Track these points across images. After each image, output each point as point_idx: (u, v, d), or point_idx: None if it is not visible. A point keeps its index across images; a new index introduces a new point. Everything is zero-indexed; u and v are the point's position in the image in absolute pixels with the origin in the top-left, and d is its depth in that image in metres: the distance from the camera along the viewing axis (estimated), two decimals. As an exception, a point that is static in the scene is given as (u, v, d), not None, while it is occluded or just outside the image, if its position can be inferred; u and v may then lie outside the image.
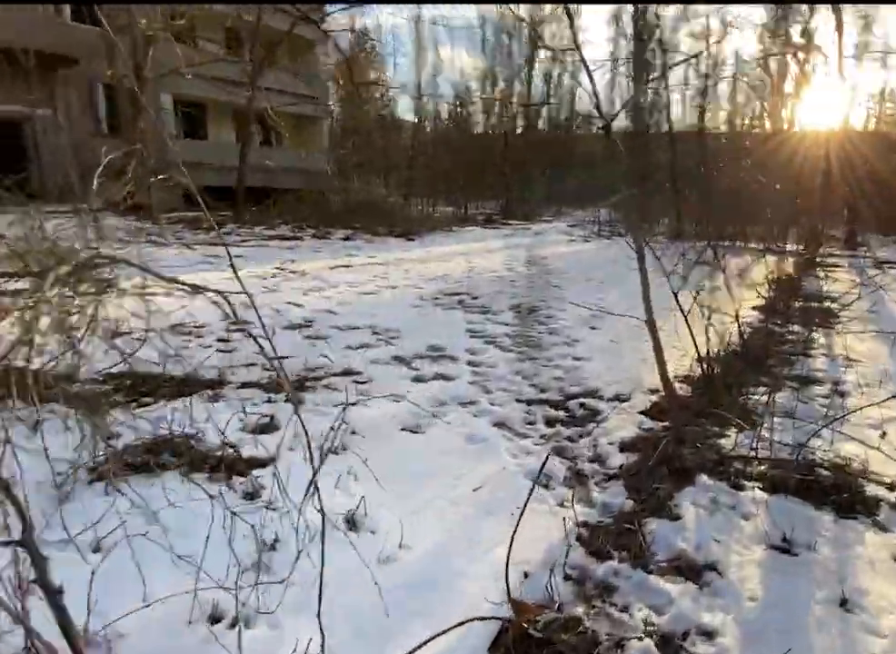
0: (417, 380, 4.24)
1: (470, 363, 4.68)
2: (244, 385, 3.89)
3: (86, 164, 18.34)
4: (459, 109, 34.33)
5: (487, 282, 8.85)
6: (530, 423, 3.50)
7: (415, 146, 28.13)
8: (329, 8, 21.99)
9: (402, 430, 3.29)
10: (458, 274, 9.50)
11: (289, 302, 6.79)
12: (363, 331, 5.60)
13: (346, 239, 14.83)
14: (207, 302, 5.90)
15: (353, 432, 3.17)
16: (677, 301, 3.79)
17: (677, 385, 4.16)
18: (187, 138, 23.54)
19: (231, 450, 2.82)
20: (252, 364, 4.41)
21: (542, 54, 31.16)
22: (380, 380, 4.19)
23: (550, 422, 3.53)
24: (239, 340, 5.14)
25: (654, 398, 3.90)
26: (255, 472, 2.67)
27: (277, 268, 9.46)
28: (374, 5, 28.09)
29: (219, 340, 5.13)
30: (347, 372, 4.33)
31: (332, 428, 3.15)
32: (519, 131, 33.45)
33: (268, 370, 4.33)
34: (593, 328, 5.95)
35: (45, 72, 17.80)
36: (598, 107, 2.82)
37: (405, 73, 38.60)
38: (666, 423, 3.44)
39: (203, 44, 22.42)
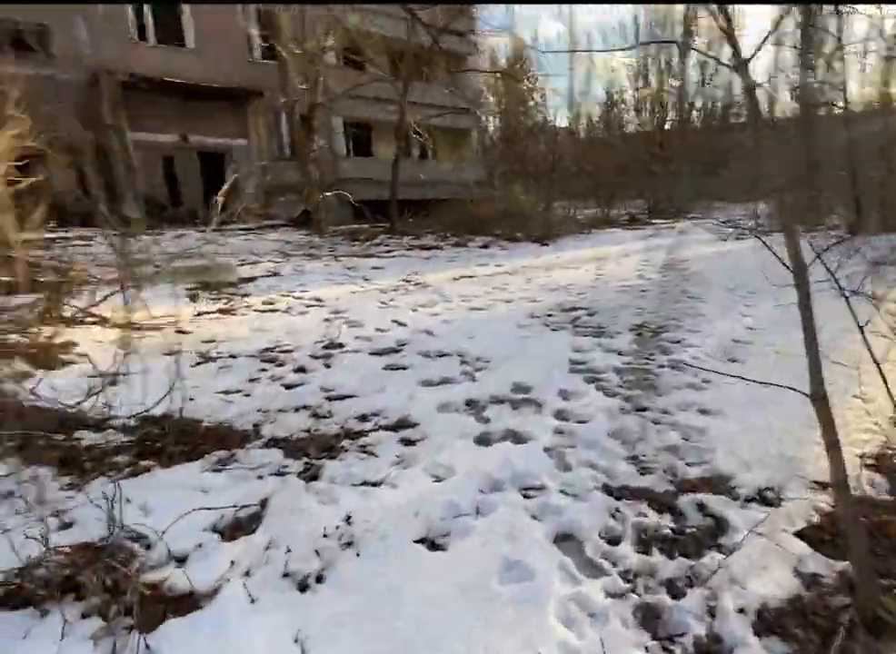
0: (481, 441, 2.99)
1: (557, 414, 3.31)
2: (270, 443, 2.96)
3: (271, 186, 19.05)
4: (610, 109, 31.45)
5: (613, 292, 7.16)
6: (612, 542, 2.10)
7: (561, 149, 26.20)
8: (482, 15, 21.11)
9: (417, 541, 2.10)
10: (583, 284, 7.90)
11: (394, 321, 5.88)
12: (450, 360, 4.44)
13: (483, 247, 13.77)
14: (314, 321, 4.60)
15: (349, 544, 2.06)
16: (864, 337, 2.14)
17: (865, 475, 2.46)
18: (356, 156, 24.15)
19: (167, 573, 1.87)
20: (304, 407, 3.51)
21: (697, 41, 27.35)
22: (435, 437, 3.01)
23: (644, 542, 2.10)
24: (315, 370, 4.31)
25: (824, 501, 2.27)
26: (169, 624, 1.66)
27: (403, 280, 8.67)
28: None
29: (297, 370, 4.31)
30: (401, 425, 3.21)
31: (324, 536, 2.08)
32: (668, 126, 29.93)
33: (319, 416, 3.40)
34: (733, 360, 4.20)
35: (240, 106, 18.98)
36: (729, 33, 1.40)
37: (559, 78, 36.31)
38: (845, 565, 1.87)
39: (368, 67, 22.68)
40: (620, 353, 4.49)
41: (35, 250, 6.99)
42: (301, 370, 4.29)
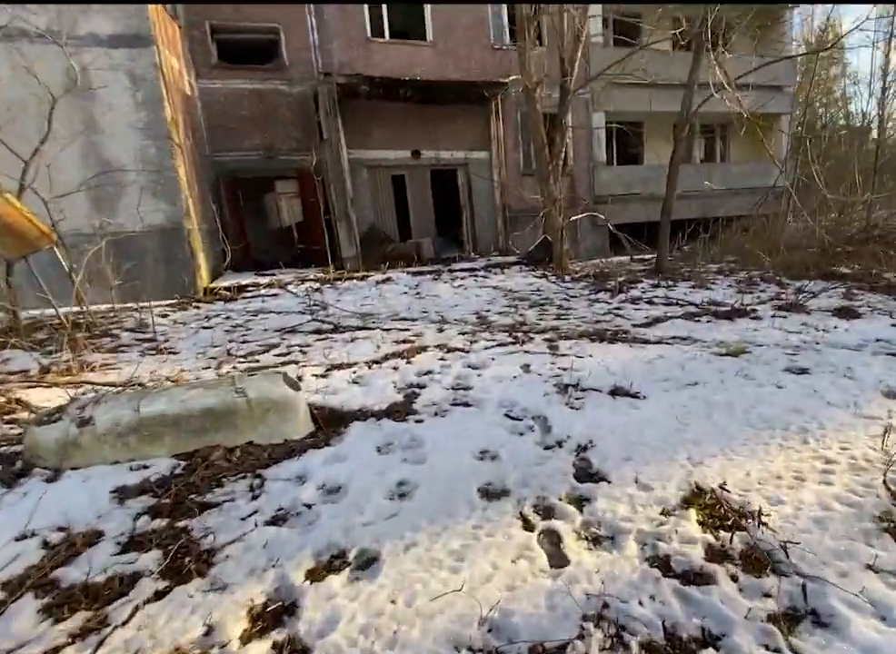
0: None
1: None
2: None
3: (511, 210, 12.71)
4: None
5: None
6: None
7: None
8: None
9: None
10: None
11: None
12: None
13: (841, 313, 6.27)
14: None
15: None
16: None
17: None
18: (620, 165, 17.64)
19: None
20: None
21: None
22: None
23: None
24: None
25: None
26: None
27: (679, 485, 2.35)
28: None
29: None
30: None
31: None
32: None
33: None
34: None
35: (480, 107, 14.25)
36: None
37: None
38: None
39: (646, 41, 15.96)
40: None
41: None
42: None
